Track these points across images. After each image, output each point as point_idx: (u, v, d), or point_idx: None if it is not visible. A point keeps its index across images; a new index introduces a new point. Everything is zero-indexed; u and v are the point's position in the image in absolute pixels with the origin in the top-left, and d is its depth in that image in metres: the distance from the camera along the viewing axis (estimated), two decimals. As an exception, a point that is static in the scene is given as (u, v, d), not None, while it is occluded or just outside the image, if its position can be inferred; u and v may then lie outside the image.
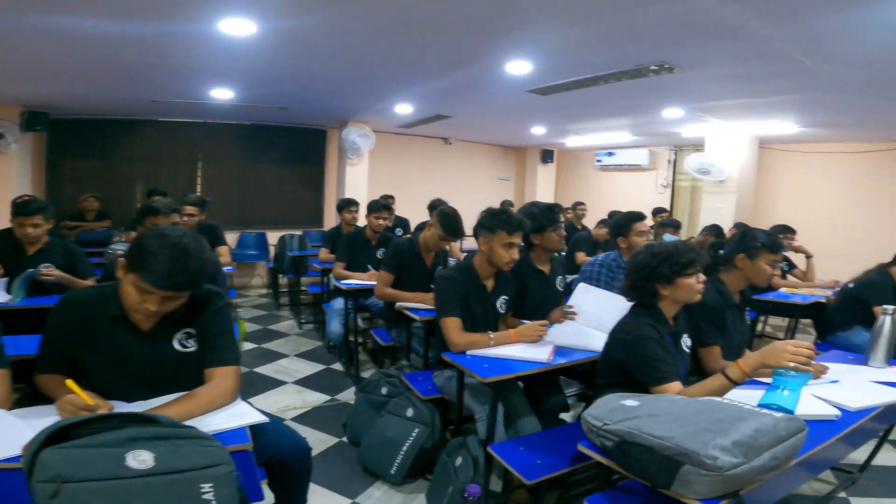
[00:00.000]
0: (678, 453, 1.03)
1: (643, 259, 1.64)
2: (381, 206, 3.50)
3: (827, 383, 1.70)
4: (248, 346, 3.99)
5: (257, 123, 6.14)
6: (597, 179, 7.93)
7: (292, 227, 6.21)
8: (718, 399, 1.25)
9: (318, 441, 2.49)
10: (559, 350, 1.92)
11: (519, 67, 3.31)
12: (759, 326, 4.74)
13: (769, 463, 1.02)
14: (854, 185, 5.27)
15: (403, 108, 5.19)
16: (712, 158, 5.30)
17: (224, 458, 0.93)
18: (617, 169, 7.54)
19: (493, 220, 2.06)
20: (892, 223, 4.99)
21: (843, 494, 2.18)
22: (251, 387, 3.15)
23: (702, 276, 1.64)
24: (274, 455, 1.37)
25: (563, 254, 4.53)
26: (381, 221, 3.45)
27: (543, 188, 8.05)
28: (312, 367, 3.56)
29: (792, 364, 1.32)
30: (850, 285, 3.19)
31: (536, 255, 2.35)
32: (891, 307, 1.94)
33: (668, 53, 2.92)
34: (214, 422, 1.14)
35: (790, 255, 4.23)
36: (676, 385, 1.47)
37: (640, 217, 2.60)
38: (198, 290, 1.29)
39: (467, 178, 7.86)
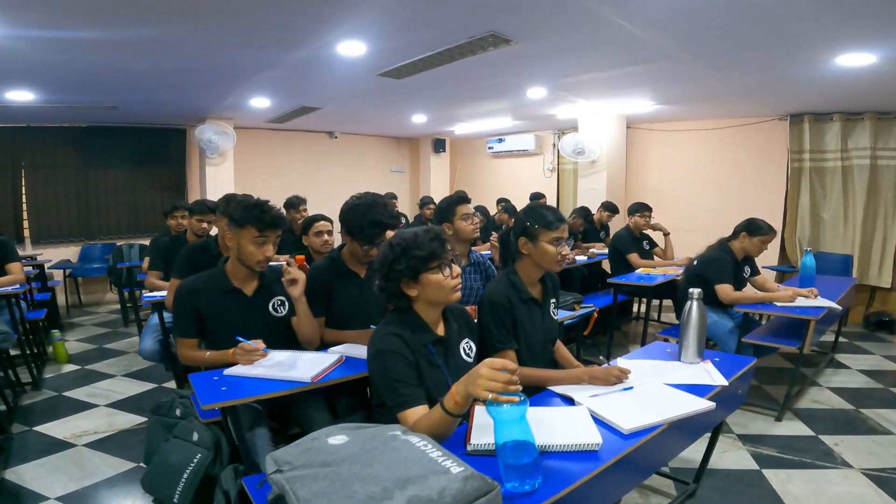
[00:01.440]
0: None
1: (382, 253, 1.38)
2: (207, 208, 3.07)
3: (619, 392, 1.47)
4: (68, 368, 3.65)
5: (97, 125, 5.40)
6: (490, 166, 7.87)
7: (152, 234, 5.55)
8: (414, 442, 0.97)
9: (109, 466, 2.32)
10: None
11: (353, 48, 3.15)
12: (636, 308, 4.83)
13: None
14: (711, 160, 5.54)
15: (260, 102, 4.83)
16: (584, 139, 5.33)
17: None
18: (507, 155, 7.51)
19: (244, 213, 1.80)
20: (746, 195, 5.28)
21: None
22: (51, 413, 2.88)
23: (456, 270, 1.36)
24: None
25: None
26: (203, 225, 3.03)
27: (438, 178, 7.86)
28: (139, 387, 3.28)
29: (489, 395, 0.98)
30: (695, 262, 3.13)
31: (348, 253, 2.06)
32: (696, 290, 1.77)
33: (496, 22, 2.78)
34: None
35: (650, 233, 4.30)
36: (419, 410, 1.21)
37: (462, 199, 2.40)
38: None
39: (357, 172, 7.50)
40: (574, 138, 5.39)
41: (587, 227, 4.97)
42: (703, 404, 1.40)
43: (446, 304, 1.41)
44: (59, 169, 5.32)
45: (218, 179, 5.62)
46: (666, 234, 4.29)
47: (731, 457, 2.40)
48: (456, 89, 4.50)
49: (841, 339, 4.24)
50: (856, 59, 2.95)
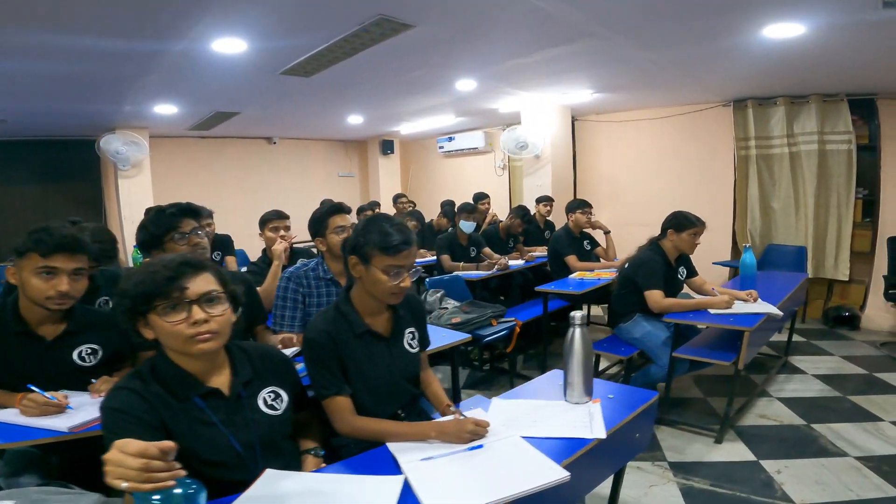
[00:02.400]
0: None
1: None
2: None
3: (462, 452, 1.16)
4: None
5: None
6: (442, 166, 7.52)
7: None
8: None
9: None
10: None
11: (230, 45, 2.87)
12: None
13: None
14: (660, 151, 5.28)
15: (166, 109, 4.44)
16: (526, 133, 5.01)
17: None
18: (458, 154, 7.17)
19: (25, 238, 1.41)
20: (696, 186, 5.02)
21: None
22: None
23: (196, 314, 1.01)
24: None
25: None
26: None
27: (387, 181, 7.47)
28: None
29: (123, 486, 0.71)
30: (626, 265, 2.82)
31: None
32: (578, 314, 1.43)
33: (382, 4, 2.45)
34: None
35: (590, 231, 3.99)
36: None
37: (336, 209, 2.02)
38: None
39: (299, 178, 7.08)
40: (515, 132, 5.06)
41: (528, 228, 4.64)
42: (553, 475, 1.05)
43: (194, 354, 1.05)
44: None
45: (133, 193, 5.15)
46: (606, 233, 3.98)
47: (658, 493, 2.07)
48: (379, 86, 4.16)
49: (797, 337, 3.99)
50: (784, 31, 2.66)
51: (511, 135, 5.08)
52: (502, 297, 4.02)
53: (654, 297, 2.56)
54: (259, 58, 3.09)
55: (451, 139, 7.05)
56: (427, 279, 3.21)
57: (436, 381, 1.60)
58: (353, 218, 3.17)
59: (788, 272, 3.99)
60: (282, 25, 2.65)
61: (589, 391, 1.43)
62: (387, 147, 7.31)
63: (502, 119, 5.94)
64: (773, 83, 4.09)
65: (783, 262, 4.40)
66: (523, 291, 4.01)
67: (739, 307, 2.47)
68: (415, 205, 6.13)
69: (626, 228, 4.74)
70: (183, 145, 6.10)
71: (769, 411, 2.75)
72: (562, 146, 5.26)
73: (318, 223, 2.01)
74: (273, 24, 2.64)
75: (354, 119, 5.65)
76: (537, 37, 3.00)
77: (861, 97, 4.22)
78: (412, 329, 1.52)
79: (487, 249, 4.00)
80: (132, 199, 5.09)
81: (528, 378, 3.31)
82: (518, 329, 2.87)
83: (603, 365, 3.22)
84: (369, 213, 5.83)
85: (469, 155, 7.05)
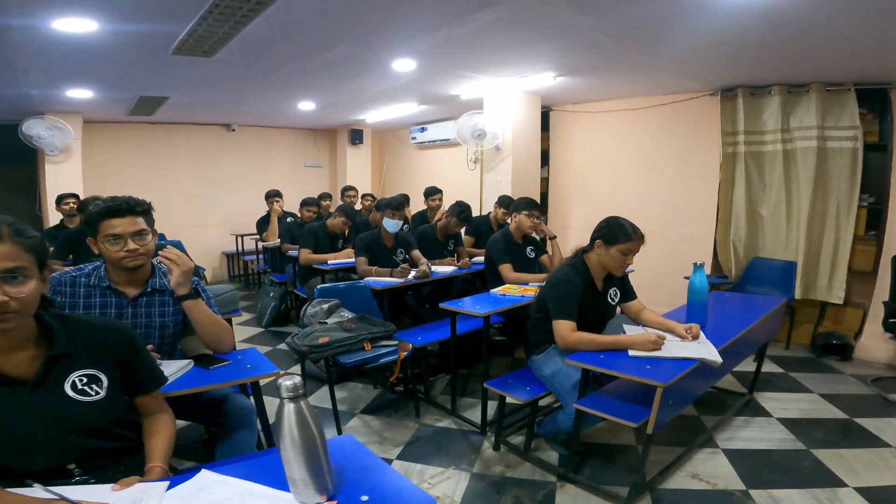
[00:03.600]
0: None
1: None
2: None
3: None
4: None
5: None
6: (416, 158, 7.03)
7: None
8: None
9: None
10: None
11: (77, 25, 2.52)
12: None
13: None
14: (640, 146, 4.68)
15: (80, 94, 4.13)
16: (484, 120, 4.47)
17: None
18: (431, 146, 6.67)
19: None
20: (679, 186, 4.43)
21: None
22: None
23: None
24: None
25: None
26: None
27: (356, 173, 7.01)
28: None
29: None
30: (545, 283, 2.27)
31: None
32: (287, 382, 0.91)
33: None
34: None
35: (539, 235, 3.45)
36: None
37: (110, 211, 1.56)
38: None
39: (261, 167, 6.69)
40: (472, 119, 4.51)
41: (481, 229, 4.14)
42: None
43: None
44: None
45: (61, 179, 4.81)
46: (552, 239, 3.44)
47: None
48: (307, 67, 3.72)
49: (774, 368, 3.40)
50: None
51: (468, 121, 4.53)
52: (426, 306, 3.55)
53: (561, 329, 2.03)
54: (100, 36, 2.70)
55: (423, 129, 6.54)
56: (318, 287, 2.75)
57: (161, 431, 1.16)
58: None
59: (770, 293, 3.40)
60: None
61: (323, 487, 0.95)
62: (356, 137, 6.84)
63: (466, 107, 5.40)
64: (768, 69, 3.46)
65: (768, 279, 3.79)
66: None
67: (670, 348, 1.93)
68: (374, 198, 5.65)
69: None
70: (127, 131, 5.76)
71: (706, 468, 2.20)
72: (527, 138, 4.70)
73: (90, 226, 1.57)
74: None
75: (306, 105, 5.20)
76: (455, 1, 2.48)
77: (872, 87, 3.56)
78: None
79: (416, 252, 3.50)
80: (60, 185, 4.75)
81: (442, 409, 2.90)
82: (402, 355, 2.38)
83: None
84: (326, 203, 5.39)
85: (442, 147, 6.54)
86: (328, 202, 5.39)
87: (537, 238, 3.51)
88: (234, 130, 6.44)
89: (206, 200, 6.31)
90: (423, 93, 4.77)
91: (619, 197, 4.72)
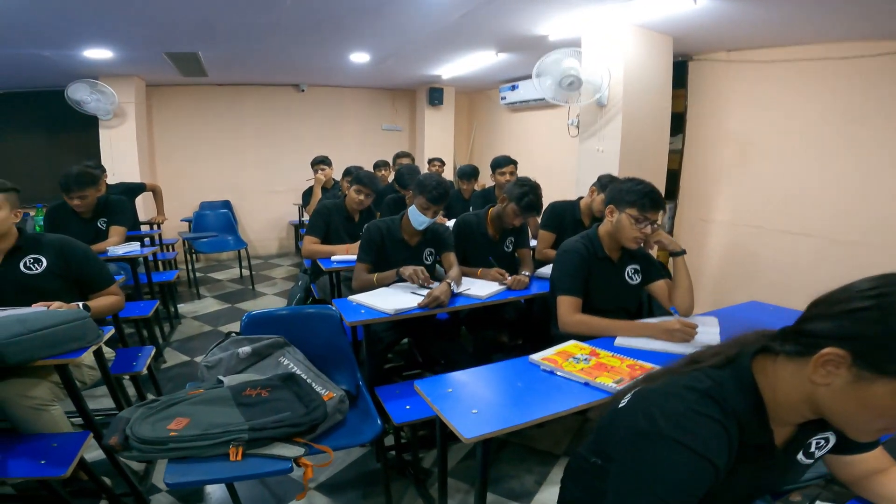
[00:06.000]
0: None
1: None
2: None
3: None
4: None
5: (7, 92, 4.81)
6: (508, 122, 5.82)
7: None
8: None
9: None
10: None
11: None
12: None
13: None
14: (834, 110, 2.91)
15: (98, 53, 3.80)
16: (581, 65, 3.12)
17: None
18: (525, 107, 5.40)
19: None
20: (888, 178, 2.68)
21: None
22: None
23: None
24: None
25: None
26: None
27: (434, 138, 6.01)
28: None
29: None
30: None
31: None
32: None
33: None
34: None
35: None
36: None
37: None
38: None
39: (331, 130, 6.05)
40: (560, 64, 3.12)
41: (560, 221, 2.86)
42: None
43: None
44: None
45: (116, 143, 4.60)
46: (675, 255, 2.02)
47: None
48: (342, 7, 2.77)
49: None
50: None
51: (555, 63, 3.13)
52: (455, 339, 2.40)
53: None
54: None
55: (514, 87, 5.28)
56: (248, 313, 1.86)
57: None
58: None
59: None
60: None
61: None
62: (434, 97, 5.80)
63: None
64: None
65: None
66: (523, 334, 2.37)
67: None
68: (441, 163, 4.64)
69: (757, 234, 3.19)
70: (194, 94, 5.44)
71: None
72: (648, 92, 3.22)
73: None
74: None
75: (359, 57, 4.27)
76: None
77: None
78: None
79: (451, 256, 2.32)
80: (113, 150, 4.54)
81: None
82: (308, 476, 1.40)
83: None
84: (382, 173, 4.49)
85: (537, 108, 5.23)
86: (385, 171, 4.44)
87: (648, 251, 2.07)
88: (303, 91, 5.83)
89: (274, 166, 5.86)
90: (498, 33, 3.52)
91: (799, 180, 3.08)
